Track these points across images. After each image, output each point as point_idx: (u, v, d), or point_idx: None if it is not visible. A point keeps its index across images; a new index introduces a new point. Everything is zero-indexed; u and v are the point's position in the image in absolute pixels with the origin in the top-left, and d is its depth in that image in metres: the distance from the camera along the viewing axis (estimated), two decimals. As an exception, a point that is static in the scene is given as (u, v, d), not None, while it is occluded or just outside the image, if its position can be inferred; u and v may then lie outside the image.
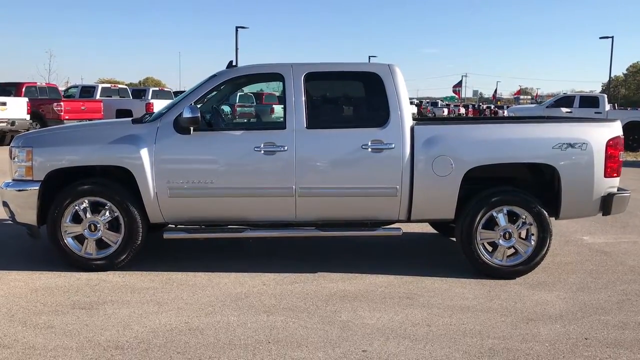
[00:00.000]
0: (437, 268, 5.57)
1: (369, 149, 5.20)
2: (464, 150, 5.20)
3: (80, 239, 5.32)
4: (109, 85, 26.45)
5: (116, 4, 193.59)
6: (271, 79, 6.06)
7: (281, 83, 5.39)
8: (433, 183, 5.19)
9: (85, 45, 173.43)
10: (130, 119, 5.76)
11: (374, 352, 3.72)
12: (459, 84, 58.26)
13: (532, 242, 5.27)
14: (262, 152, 5.20)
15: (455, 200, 5.23)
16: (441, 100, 64.15)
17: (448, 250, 6.37)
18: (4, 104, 17.33)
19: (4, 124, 17.36)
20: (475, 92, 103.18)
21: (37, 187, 5.23)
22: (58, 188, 5.33)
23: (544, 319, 4.32)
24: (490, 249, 5.37)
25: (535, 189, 5.50)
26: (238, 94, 19.11)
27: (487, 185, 5.37)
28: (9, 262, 5.56)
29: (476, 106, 60.40)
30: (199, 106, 5.28)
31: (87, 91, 23.65)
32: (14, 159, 5.41)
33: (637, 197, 8.76)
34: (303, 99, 5.29)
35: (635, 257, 6.10)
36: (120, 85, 26.97)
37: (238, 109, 19.02)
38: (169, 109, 5.44)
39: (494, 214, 5.27)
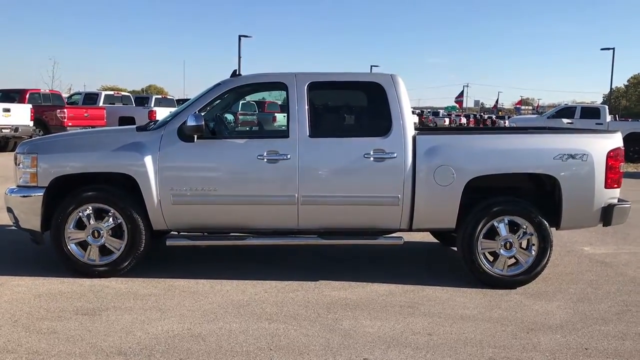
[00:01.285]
0: (438, 277, 5.59)
1: (371, 158, 5.23)
2: (466, 160, 5.24)
3: (83, 245, 5.35)
4: (112, 92, 26.57)
5: (120, 12, 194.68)
6: (275, 88, 6.12)
7: (285, 92, 5.44)
8: (434, 192, 5.22)
9: (89, 52, 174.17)
10: (134, 126, 5.81)
11: (375, 360, 3.73)
12: (461, 94, 58.37)
13: (533, 252, 5.30)
14: (265, 160, 5.24)
15: (457, 210, 5.26)
16: (443, 110, 64.27)
17: (449, 260, 6.39)
18: (7, 110, 17.43)
19: (8, 131, 17.45)
20: (476, 102, 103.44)
21: (42, 194, 5.27)
22: (62, 194, 5.37)
23: (545, 329, 4.34)
24: (491, 258, 5.39)
25: (536, 199, 5.53)
26: (240, 102, 19.19)
27: (488, 195, 5.40)
28: (13, 267, 5.59)
29: (477, 116, 60.50)
30: (203, 114, 5.33)
31: (90, 98, 23.75)
32: (18, 165, 5.45)
33: (637, 208, 8.75)
34: (306, 108, 5.33)
35: (636, 268, 6.12)
36: (123, 93, 27.09)
37: (240, 117, 19.08)
38: (173, 116, 5.49)
39: (495, 224, 5.29)
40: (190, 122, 5.11)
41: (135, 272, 5.41)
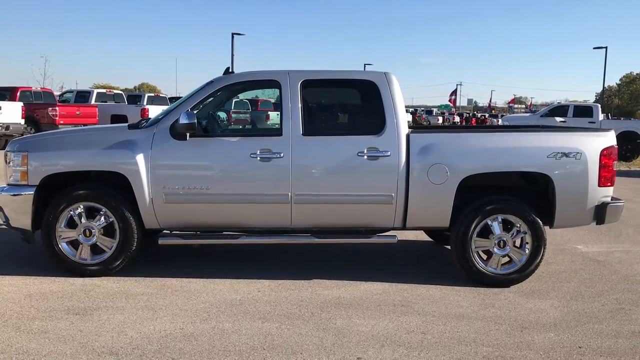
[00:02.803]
0: (431, 276, 5.58)
1: (365, 157, 5.21)
2: (459, 158, 5.22)
3: (74, 244, 5.30)
4: (104, 90, 26.41)
5: (112, 10, 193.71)
6: (268, 86, 6.08)
7: (278, 90, 5.41)
8: (428, 191, 5.21)
9: (81, 50, 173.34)
10: (126, 124, 5.76)
11: (369, 359, 3.72)
12: (454, 93, 58.45)
13: (527, 251, 5.29)
14: (258, 158, 5.21)
15: (450, 208, 5.25)
16: (436, 109, 64.38)
17: (443, 258, 6.38)
18: (-2, 108, 17.27)
19: (-1, 128, 17.30)
20: (470, 101, 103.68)
21: (32, 192, 5.22)
22: (53, 193, 5.31)
23: (538, 328, 4.33)
24: (484, 257, 5.38)
25: (530, 197, 5.52)
26: (233, 100, 19.14)
27: (482, 194, 5.39)
28: (3, 267, 5.53)
29: (471, 114, 60.63)
30: (195, 112, 5.29)
31: (82, 96, 23.61)
32: (9, 163, 5.39)
33: (630, 207, 8.80)
34: (300, 106, 5.30)
35: (629, 266, 6.13)
36: (115, 91, 26.95)
37: (233, 115, 19.02)
38: (165, 114, 5.45)
39: (489, 223, 5.29)
40: (183, 120, 5.08)
41: (127, 271, 5.37)
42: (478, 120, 50.37)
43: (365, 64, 46.40)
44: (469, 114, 62.85)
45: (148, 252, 6.00)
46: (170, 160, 5.25)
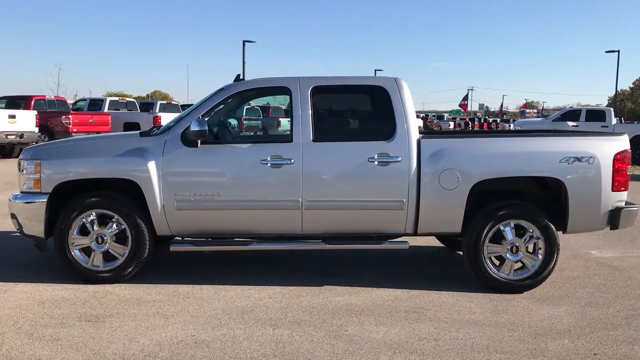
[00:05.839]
0: (444, 282, 5.55)
1: (376, 162, 5.20)
2: (471, 163, 5.20)
3: (87, 251, 5.34)
4: (117, 98, 26.65)
5: (125, 19, 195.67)
6: (278, 93, 6.09)
7: (288, 96, 5.42)
8: (440, 196, 5.18)
9: (94, 59, 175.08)
10: (138, 132, 5.79)
11: (381, 367, 3.69)
12: (465, 98, 58.25)
13: (540, 256, 5.24)
14: (269, 165, 5.21)
15: (462, 214, 5.22)
16: (447, 114, 64.23)
17: (455, 264, 6.34)
18: (13, 116, 17.49)
19: (13, 137, 17.52)
20: (481, 106, 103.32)
21: (45, 200, 5.26)
22: (66, 200, 5.35)
23: (552, 334, 4.29)
24: (497, 262, 5.34)
25: (543, 202, 5.48)
26: (245, 107, 19.21)
27: (494, 199, 5.35)
28: (16, 274, 5.58)
29: (482, 119, 60.38)
30: (206, 119, 5.31)
31: (95, 104, 23.83)
32: (22, 171, 5.44)
33: (645, 211, 8.69)
34: (310, 112, 5.31)
35: (644, 272, 6.05)
36: (128, 99, 27.16)
37: (245, 122, 19.10)
38: (176, 122, 5.48)
39: (501, 228, 5.24)
40: (194, 127, 5.10)
41: (139, 278, 5.39)
42: (489, 125, 50.10)
43: (375, 70, 46.45)
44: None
45: (160, 258, 6.01)
46: (182, 167, 5.27)
